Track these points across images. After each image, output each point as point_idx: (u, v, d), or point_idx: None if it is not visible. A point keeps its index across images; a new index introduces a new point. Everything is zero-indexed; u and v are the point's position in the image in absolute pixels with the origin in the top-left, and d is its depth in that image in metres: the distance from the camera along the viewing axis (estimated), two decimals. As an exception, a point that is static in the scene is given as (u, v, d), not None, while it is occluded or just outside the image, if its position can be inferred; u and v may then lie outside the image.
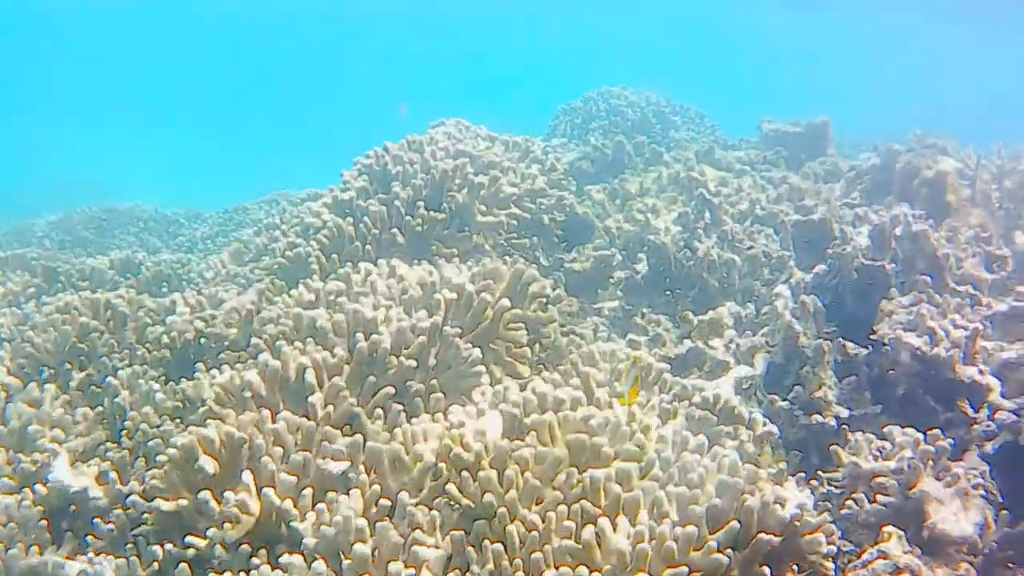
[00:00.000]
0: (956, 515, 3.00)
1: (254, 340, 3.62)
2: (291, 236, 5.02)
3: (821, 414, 3.83)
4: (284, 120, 37.23)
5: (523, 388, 3.42)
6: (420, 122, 6.82)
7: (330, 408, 3.03)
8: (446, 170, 4.61)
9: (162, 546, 2.86)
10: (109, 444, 3.47)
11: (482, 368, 3.36)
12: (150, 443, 3.21)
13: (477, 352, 3.37)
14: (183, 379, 3.71)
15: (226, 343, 3.90)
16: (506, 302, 3.60)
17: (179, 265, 6.17)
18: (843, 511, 3.26)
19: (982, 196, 6.00)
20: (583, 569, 2.37)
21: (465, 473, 2.70)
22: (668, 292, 5.07)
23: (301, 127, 35.76)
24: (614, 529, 2.46)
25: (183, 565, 2.71)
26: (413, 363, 3.23)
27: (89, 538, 3.07)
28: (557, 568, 2.44)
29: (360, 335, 3.25)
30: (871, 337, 4.03)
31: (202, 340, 3.92)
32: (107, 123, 34.26)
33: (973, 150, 6.79)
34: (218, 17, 42.21)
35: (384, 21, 45.61)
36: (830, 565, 2.63)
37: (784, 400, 3.92)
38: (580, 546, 2.43)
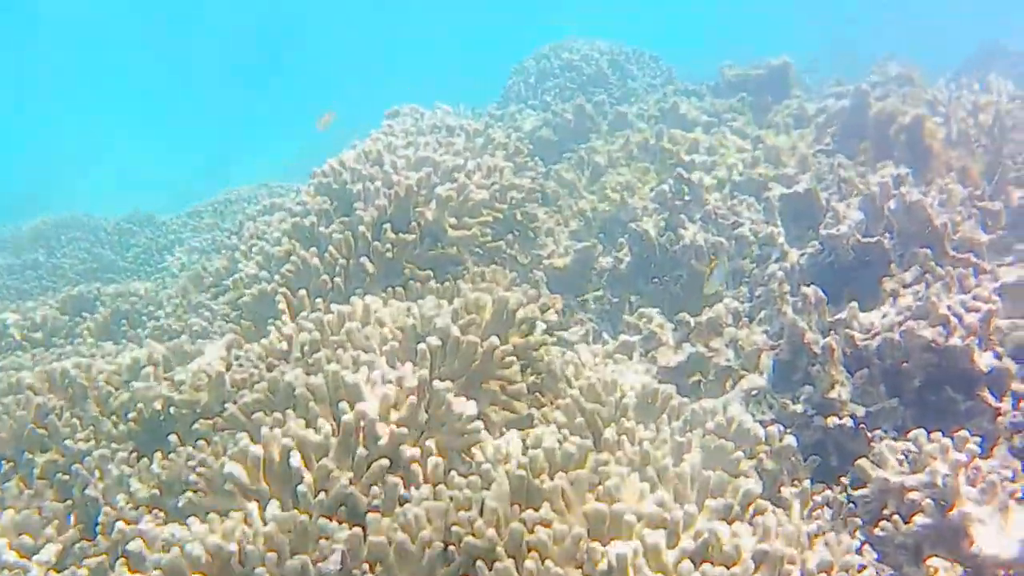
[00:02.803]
0: (999, 534, 2.82)
1: (229, 409, 3.36)
2: (252, 267, 4.74)
3: (837, 415, 3.64)
4: (224, 106, 35.68)
5: (525, 439, 3.22)
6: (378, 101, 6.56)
7: (322, 495, 2.79)
8: (410, 185, 4.31)
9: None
10: (85, 543, 3.21)
11: (479, 424, 3.12)
12: (129, 545, 2.94)
13: (472, 406, 3.12)
14: (157, 452, 3.46)
15: (198, 410, 3.64)
16: (495, 339, 3.35)
17: (136, 298, 5.86)
18: (877, 531, 3.07)
19: (960, 135, 5.82)
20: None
21: (480, 563, 2.49)
22: (655, 279, 4.85)
23: (242, 112, 34.20)
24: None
25: None
26: (405, 430, 2.99)
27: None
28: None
29: (344, 404, 3.00)
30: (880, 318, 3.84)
31: (171, 409, 3.65)
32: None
33: (944, 83, 6.62)
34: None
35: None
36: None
37: (796, 403, 3.74)
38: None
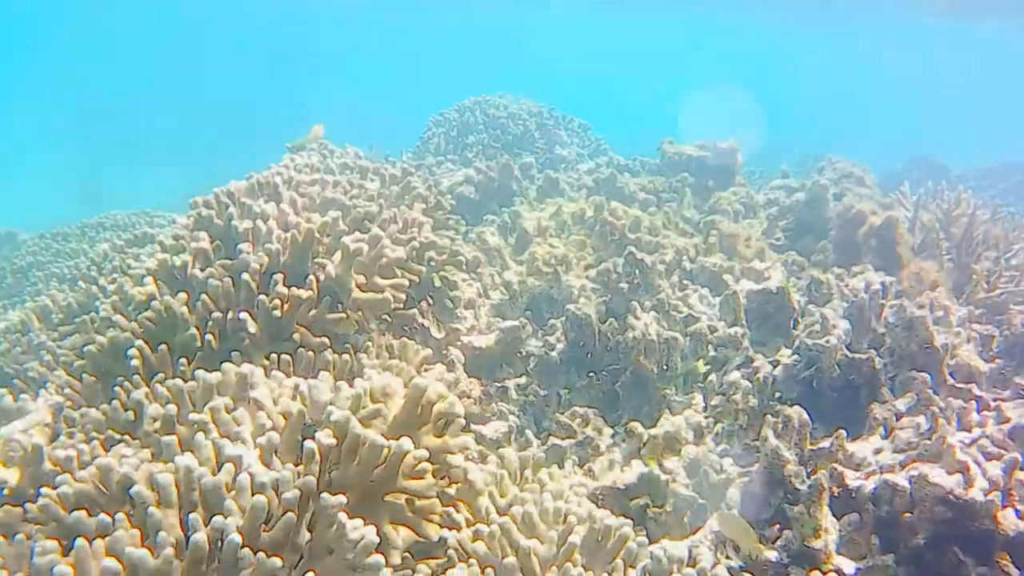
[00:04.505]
0: None
1: (43, 498, 2.46)
2: (107, 308, 3.82)
3: (820, 568, 2.91)
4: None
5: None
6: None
7: (146, 655, 1.92)
8: (311, 229, 3.48)
9: None
10: None
11: (380, 560, 2.29)
12: None
13: (371, 534, 2.29)
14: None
15: (4, 491, 2.73)
16: (406, 443, 2.53)
17: (-32, 330, 4.85)
18: None
19: (928, 245, 5.28)
20: None
21: None
22: (591, 373, 4.08)
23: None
24: None
25: None
26: (278, 562, 2.15)
27: None
28: None
29: (197, 517, 2.15)
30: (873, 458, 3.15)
31: (-32, 487, 2.74)
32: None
33: (908, 187, 6.15)
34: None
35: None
36: None
37: (769, 548, 2.99)
38: None
